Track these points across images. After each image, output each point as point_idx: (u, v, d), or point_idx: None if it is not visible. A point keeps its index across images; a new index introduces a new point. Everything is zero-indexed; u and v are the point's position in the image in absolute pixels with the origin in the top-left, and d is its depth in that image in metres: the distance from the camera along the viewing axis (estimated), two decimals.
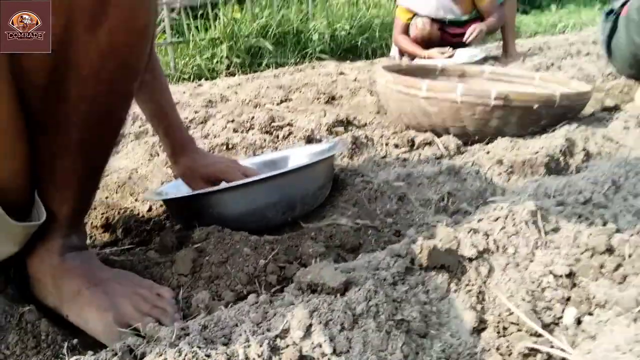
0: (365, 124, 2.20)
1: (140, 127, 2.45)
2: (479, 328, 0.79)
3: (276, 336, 0.68)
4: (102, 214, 1.29)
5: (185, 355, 0.63)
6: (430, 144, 1.58)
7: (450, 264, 0.83)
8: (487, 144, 1.61)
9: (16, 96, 0.74)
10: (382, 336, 0.71)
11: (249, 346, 0.66)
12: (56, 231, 0.87)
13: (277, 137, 1.97)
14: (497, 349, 0.75)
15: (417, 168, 1.39)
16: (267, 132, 2.04)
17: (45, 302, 0.87)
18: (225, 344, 0.67)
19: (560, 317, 0.81)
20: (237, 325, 0.70)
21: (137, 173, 1.72)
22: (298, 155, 1.40)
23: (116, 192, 1.56)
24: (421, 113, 1.73)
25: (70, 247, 0.89)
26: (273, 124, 2.09)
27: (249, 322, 0.70)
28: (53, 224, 0.86)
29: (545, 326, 0.80)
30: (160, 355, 0.63)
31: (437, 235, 0.88)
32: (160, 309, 0.86)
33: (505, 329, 0.79)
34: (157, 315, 0.84)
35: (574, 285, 0.83)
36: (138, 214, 1.32)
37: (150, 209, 1.35)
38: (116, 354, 0.65)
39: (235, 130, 2.12)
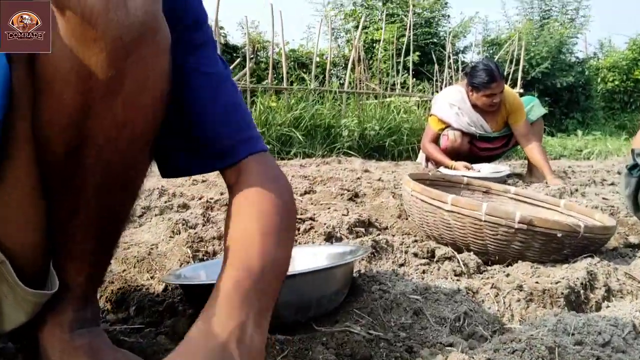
0: (387, 227, 2.22)
1: (165, 202, 2.51)
2: None
3: None
4: (119, 289, 1.30)
5: None
6: (450, 259, 1.58)
7: None
8: (507, 266, 1.61)
9: (36, 169, 0.77)
10: None
11: None
12: (68, 304, 0.88)
13: (298, 230, 2.00)
14: None
15: (435, 282, 1.38)
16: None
17: None
18: None
19: None
20: None
21: (157, 249, 1.75)
22: (319, 254, 1.41)
23: (134, 267, 1.58)
24: (444, 225, 1.75)
25: (81, 321, 0.89)
26: (298, 217, 2.12)
27: None
28: (65, 295, 0.88)
29: None
30: None
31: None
32: None
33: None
34: None
35: None
36: (153, 293, 1.33)
37: (165, 289, 1.35)
38: None
39: None
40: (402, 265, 1.57)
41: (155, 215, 2.30)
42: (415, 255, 1.70)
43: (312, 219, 2.11)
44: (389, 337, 1.12)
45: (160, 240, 1.89)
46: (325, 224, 2.04)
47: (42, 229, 0.83)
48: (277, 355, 0.98)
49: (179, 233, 1.91)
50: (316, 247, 1.52)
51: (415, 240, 1.84)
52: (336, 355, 1.02)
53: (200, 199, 2.59)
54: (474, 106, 3.92)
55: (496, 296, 1.35)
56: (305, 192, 3.01)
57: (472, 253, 1.62)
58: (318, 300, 1.11)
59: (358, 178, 3.72)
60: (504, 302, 1.33)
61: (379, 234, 1.93)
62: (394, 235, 1.92)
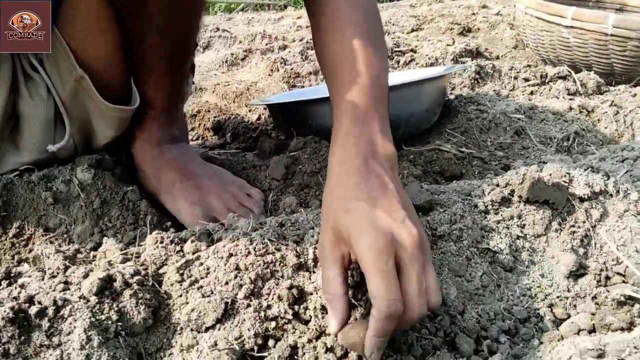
0: (498, 57, 2.02)
1: (267, 44, 2.49)
2: (577, 273, 0.70)
3: None
4: (215, 117, 1.34)
5: (257, 245, 0.63)
6: (565, 78, 1.41)
7: (555, 200, 0.74)
8: (635, 86, 1.41)
9: None
10: (462, 261, 0.67)
11: (316, 248, 0.65)
12: (153, 121, 0.91)
13: (398, 62, 1.89)
14: (594, 297, 0.67)
15: (544, 103, 1.25)
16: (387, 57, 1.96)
17: (147, 188, 0.92)
18: (296, 242, 0.66)
19: None
20: (312, 228, 0.69)
21: (255, 86, 1.76)
22: (408, 75, 1.32)
23: (233, 101, 1.61)
24: (561, 45, 1.55)
25: (168, 138, 0.93)
26: (396, 49, 2.00)
27: None
28: (150, 112, 0.90)
29: None
30: (233, 241, 0.64)
31: (546, 169, 0.79)
32: (246, 208, 0.88)
33: (608, 278, 0.70)
34: (243, 213, 0.86)
35: None
36: (247, 121, 1.35)
37: (259, 118, 1.37)
38: (194, 234, 0.67)
39: None
40: (509, 90, 1.43)
41: (257, 56, 2.29)
42: (526, 80, 1.55)
43: (413, 50, 1.98)
44: (483, 156, 1.05)
45: (260, 78, 1.90)
46: (427, 55, 1.91)
47: (117, 48, 0.84)
48: None
49: (277, 70, 1.90)
50: (406, 71, 1.42)
51: (528, 66, 1.67)
52: (423, 172, 0.98)
53: (300, 40, 2.53)
54: None
55: (615, 114, 1.20)
56: (412, 30, 2.81)
57: (592, 72, 1.43)
58: (407, 118, 1.05)
59: (473, 13, 3.39)
60: (624, 121, 1.18)
61: (486, 62, 1.77)
62: (503, 62, 1.74)
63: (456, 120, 1.15)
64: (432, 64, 1.83)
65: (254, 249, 0.63)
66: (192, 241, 0.65)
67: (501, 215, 0.73)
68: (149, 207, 0.87)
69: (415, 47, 2.05)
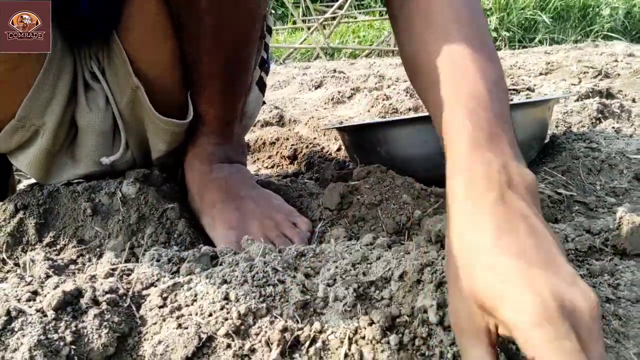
0: (634, 99, 1.76)
1: (376, 84, 2.43)
2: None
3: (370, 282, 0.53)
4: (292, 145, 1.27)
5: (257, 273, 0.53)
6: None
7: None
8: None
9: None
10: None
11: (329, 285, 0.53)
12: (205, 137, 0.86)
13: (511, 100, 1.71)
14: None
15: None
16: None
17: (191, 207, 0.87)
18: (307, 275, 0.55)
19: None
20: (335, 261, 0.57)
21: (350, 120, 1.68)
22: None
23: (323, 134, 1.54)
24: None
25: (221, 157, 0.87)
26: (512, 87, 1.82)
27: (346, 261, 0.56)
28: (201, 128, 0.85)
29: None
30: (231, 265, 0.54)
31: None
32: (287, 237, 0.78)
33: None
34: (282, 243, 0.76)
35: None
36: (326, 152, 1.27)
37: (339, 149, 1.28)
38: (195, 255, 0.59)
39: None
40: (635, 128, 1.20)
41: (363, 94, 2.23)
42: None
43: (530, 89, 1.79)
44: (588, 201, 0.85)
45: (358, 113, 1.83)
46: (545, 94, 1.71)
47: (174, 58, 0.81)
48: (429, 207, 0.83)
49: (376, 106, 1.82)
50: None
51: None
52: None
53: (405, 81, 2.44)
54: None
55: None
56: (540, 74, 2.59)
57: None
58: None
59: (615, 60, 3.06)
60: None
61: (615, 102, 1.53)
62: (635, 102, 1.50)
63: (559, 158, 0.96)
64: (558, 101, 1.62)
65: (252, 277, 0.52)
66: (189, 262, 0.56)
67: (587, 269, 0.56)
68: (187, 227, 0.80)
69: (534, 85, 1.85)
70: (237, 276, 0.52)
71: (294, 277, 0.53)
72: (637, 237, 0.54)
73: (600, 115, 1.31)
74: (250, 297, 0.51)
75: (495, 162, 0.45)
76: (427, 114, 0.90)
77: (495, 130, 0.47)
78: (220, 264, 0.56)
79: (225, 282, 0.52)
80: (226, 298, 0.51)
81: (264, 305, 0.50)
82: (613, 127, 1.14)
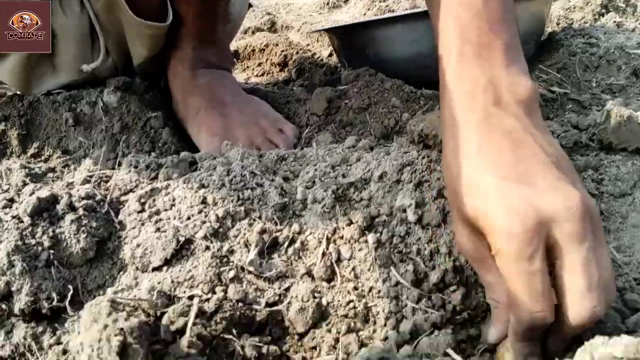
0: None
1: None
2: None
3: (350, 184, 0.53)
4: (282, 51, 1.23)
5: (235, 177, 0.52)
6: None
7: None
8: None
9: None
10: None
11: (308, 187, 0.53)
12: (187, 40, 0.82)
13: None
14: None
15: None
16: None
17: (176, 115, 0.85)
18: (286, 179, 0.55)
19: None
20: (315, 165, 0.57)
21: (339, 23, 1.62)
22: None
23: (317, 41, 1.49)
24: None
25: (203, 62, 0.84)
26: None
27: (326, 163, 0.56)
28: (182, 31, 0.82)
29: None
30: (208, 170, 0.54)
31: None
32: (273, 143, 0.77)
33: None
34: (267, 149, 0.75)
35: None
36: (317, 57, 1.23)
37: (331, 54, 1.24)
38: (174, 160, 0.58)
39: None
40: (638, 22, 1.15)
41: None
42: None
43: None
44: (582, 99, 0.83)
45: (353, 17, 1.75)
46: None
47: None
48: (417, 110, 0.81)
49: (372, 8, 1.74)
50: None
51: None
52: None
53: None
54: None
55: None
56: None
57: None
58: None
59: None
60: None
61: None
62: None
63: (556, 55, 0.93)
64: None
65: (230, 181, 0.52)
66: (167, 167, 0.55)
67: (573, 165, 0.55)
68: (171, 136, 0.79)
69: None
70: (214, 180, 0.52)
71: (273, 180, 0.53)
72: (625, 132, 0.53)
73: (604, 11, 1.25)
74: (228, 200, 0.50)
75: (482, 78, 0.43)
76: (414, 10, 0.86)
77: (487, 38, 0.44)
78: (199, 169, 0.56)
79: (203, 186, 0.52)
80: (204, 202, 0.50)
81: (242, 208, 0.50)
82: (614, 22, 1.08)
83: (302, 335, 0.46)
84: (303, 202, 0.52)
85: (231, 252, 0.48)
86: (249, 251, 0.48)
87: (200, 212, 0.50)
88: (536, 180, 0.39)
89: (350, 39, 0.94)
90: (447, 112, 0.44)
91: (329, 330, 0.45)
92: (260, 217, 0.50)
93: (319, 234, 0.49)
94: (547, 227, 0.37)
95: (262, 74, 1.23)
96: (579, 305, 0.36)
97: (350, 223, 0.50)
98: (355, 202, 0.52)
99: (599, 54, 0.89)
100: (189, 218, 0.49)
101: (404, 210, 0.50)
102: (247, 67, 1.29)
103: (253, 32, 1.64)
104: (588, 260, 0.36)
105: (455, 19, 0.45)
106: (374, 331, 0.45)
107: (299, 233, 0.50)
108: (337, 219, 0.50)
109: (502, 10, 0.46)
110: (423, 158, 0.52)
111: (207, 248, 0.48)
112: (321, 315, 0.46)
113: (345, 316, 0.46)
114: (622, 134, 0.53)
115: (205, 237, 0.48)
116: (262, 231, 0.49)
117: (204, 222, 0.49)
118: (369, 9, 1.78)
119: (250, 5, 1.03)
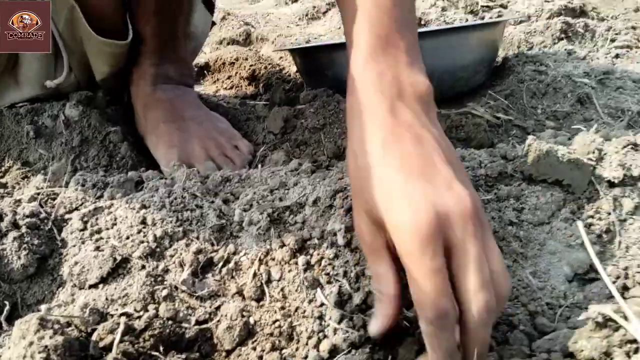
0: (604, 19, 1.73)
1: None
2: (586, 277, 0.54)
3: (286, 208, 0.56)
4: (251, 65, 1.26)
5: (175, 198, 0.55)
6: None
7: (572, 182, 0.57)
8: None
9: None
10: None
11: (245, 210, 0.55)
12: (147, 57, 0.85)
13: (482, 19, 1.68)
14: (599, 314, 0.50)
15: (627, 67, 1.02)
16: (472, 12, 1.75)
17: (138, 129, 0.88)
18: (226, 201, 0.57)
19: None
20: (255, 187, 0.59)
21: (319, 39, 1.65)
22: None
23: (287, 55, 1.52)
24: None
25: (164, 77, 0.87)
26: (483, 4, 1.78)
27: (265, 187, 0.59)
28: (142, 48, 0.85)
29: None
30: (151, 190, 0.56)
31: (576, 141, 0.62)
32: (228, 158, 0.80)
33: (626, 289, 0.53)
34: (222, 162, 0.78)
35: None
36: (285, 72, 1.26)
37: (298, 71, 1.27)
38: (119, 180, 0.60)
39: (444, 9, 1.87)
40: (591, 52, 1.19)
41: (338, 10, 2.17)
42: (628, 47, 1.28)
43: (502, 6, 1.75)
44: (527, 125, 0.87)
45: (328, 31, 1.79)
46: (518, 11, 1.67)
47: None
48: None
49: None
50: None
51: (633, 27, 1.39)
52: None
53: None
54: None
55: None
56: None
57: None
58: (440, 75, 0.90)
59: None
60: None
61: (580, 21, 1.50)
62: (603, 22, 1.47)
63: (505, 82, 0.97)
64: (521, 22, 1.60)
65: (171, 202, 0.54)
66: (112, 187, 0.58)
67: (494, 194, 0.58)
68: (129, 151, 0.82)
69: (508, 2, 1.80)
70: (155, 201, 0.54)
71: (212, 202, 0.56)
72: (544, 165, 0.56)
73: (563, 36, 1.30)
74: (167, 221, 0.53)
75: (387, 73, 0.46)
76: None
77: (393, 37, 0.47)
78: (144, 189, 0.58)
79: (144, 207, 0.54)
80: (143, 222, 0.53)
81: (181, 229, 0.53)
82: (566, 49, 1.13)
83: (229, 353, 0.48)
84: (240, 224, 0.55)
85: (166, 271, 0.51)
86: (183, 271, 0.50)
87: (139, 232, 0.52)
88: (435, 178, 0.41)
89: (311, 60, 0.97)
90: (353, 99, 0.47)
91: (254, 348, 0.48)
92: (197, 238, 0.53)
93: (252, 255, 0.52)
94: (445, 225, 0.39)
95: (231, 87, 1.26)
96: (474, 302, 0.39)
97: (283, 245, 0.53)
98: (290, 224, 0.55)
99: (546, 81, 0.93)
100: (128, 237, 0.52)
101: (335, 234, 0.54)
102: (218, 79, 1.32)
103: (228, 44, 1.67)
104: (480, 257, 0.39)
105: (365, 15, 0.48)
106: (297, 349, 0.48)
107: (234, 254, 0.53)
108: (271, 241, 0.53)
109: (408, 12, 0.50)
110: None
111: (143, 267, 0.50)
112: (248, 334, 0.49)
113: (271, 334, 0.49)
114: (541, 167, 0.56)
115: (141, 257, 0.51)
116: (198, 251, 0.52)
117: (141, 242, 0.51)
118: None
119: (213, 24, 1.06)
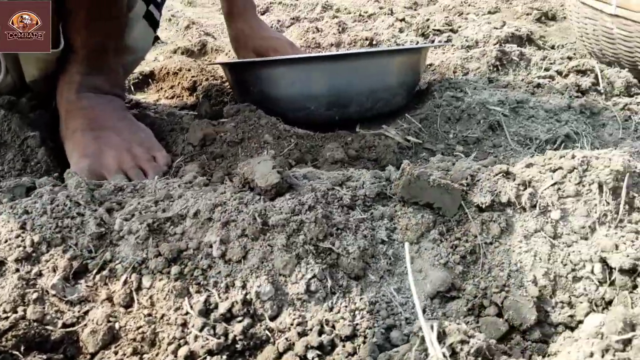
0: (553, 47, 1.79)
1: (318, 14, 2.40)
2: (448, 295, 0.58)
3: (167, 219, 0.58)
4: (192, 76, 1.29)
5: (57, 205, 0.57)
6: (585, 73, 1.20)
7: (443, 205, 0.61)
8: None
9: None
10: (289, 259, 0.56)
11: (127, 219, 0.58)
12: (74, 66, 0.87)
13: (432, 42, 1.73)
14: (442, 333, 0.54)
15: (542, 98, 1.07)
16: (422, 35, 1.80)
17: (60, 135, 0.89)
18: (110, 210, 0.60)
19: (580, 322, 0.56)
20: (139, 197, 0.62)
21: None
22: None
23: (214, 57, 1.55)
24: (605, 37, 1.33)
25: (90, 87, 0.89)
26: (435, 28, 1.83)
27: (150, 198, 0.61)
28: (71, 56, 0.87)
29: (552, 325, 0.56)
30: (35, 197, 0.59)
31: (455, 167, 0.65)
32: (141, 170, 0.82)
33: (483, 307, 0.56)
34: (133, 175, 0.80)
35: (632, 287, 0.56)
36: (225, 85, 1.28)
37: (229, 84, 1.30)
38: (9, 185, 0.62)
39: (401, 30, 1.92)
40: (511, 79, 1.24)
41: (301, 25, 2.21)
42: (550, 78, 1.33)
43: (453, 31, 1.81)
44: (436, 149, 0.91)
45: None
46: (467, 37, 1.73)
47: None
48: (286, 147, 0.87)
49: (304, 37, 1.81)
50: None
51: (569, 58, 1.45)
52: (355, 158, 0.87)
53: (361, 14, 2.42)
54: None
55: (626, 121, 0.99)
56: (489, 12, 2.57)
57: (626, 70, 1.21)
58: (357, 95, 0.94)
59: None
60: (636, 129, 0.98)
61: (527, 49, 1.56)
62: (539, 51, 1.53)
63: (423, 106, 1.01)
64: (469, 47, 1.65)
65: (52, 209, 0.57)
66: (2, 192, 0.60)
67: (371, 213, 0.62)
68: (45, 156, 0.83)
69: (459, 27, 1.86)
70: (37, 208, 0.56)
71: (95, 210, 0.58)
72: (414, 188, 0.60)
73: (498, 63, 1.35)
74: (47, 227, 0.55)
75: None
76: (308, 54, 0.93)
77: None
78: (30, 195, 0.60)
79: (26, 212, 0.56)
80: (23, 227, 0.55)
81: (60, 235, 0.55)
82: (488, 77, 1.18)
83: (93, 355, 0.51)
84: (120, 232, 0.57)
85: (39, 275, 0.53)
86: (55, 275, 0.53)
87: (17, 236, 0.54)
88: None
89: (239, 75, 1.00)
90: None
91: (116, 352, 0.50)
92: (76, 245, 0.55)
93: (126, 263, 0.55)
94: None
95: (173, 97, 1.29)
96: None
97: (159, 255, 0.55)
98: (169, 235, 0.58)
99: (461, 107, 0.98)
100: (6, 241, 0.54)
101: (211, 246, 0.56)
102: (161, 88, 1.35)
103: (182, 53, 1.70)
104: None
105: None
106: (157, 354, 0.51)
107: (110, 261, 0.55)
108: (147, 250, 0.56)
109: None
110: (235, 200, 0.59)
111: (17, 270, 0.52)
112: (112, 338, 0.51)
113: (134, 340, 0.51)
114: (412, 190, 0.60)
115: (17, 260, 0.53)
116: (73, 257, 0.54)
117: (18, 246, 0.54)
118: (301, 38, 1.86)
119: (157, 38, 1.09)
